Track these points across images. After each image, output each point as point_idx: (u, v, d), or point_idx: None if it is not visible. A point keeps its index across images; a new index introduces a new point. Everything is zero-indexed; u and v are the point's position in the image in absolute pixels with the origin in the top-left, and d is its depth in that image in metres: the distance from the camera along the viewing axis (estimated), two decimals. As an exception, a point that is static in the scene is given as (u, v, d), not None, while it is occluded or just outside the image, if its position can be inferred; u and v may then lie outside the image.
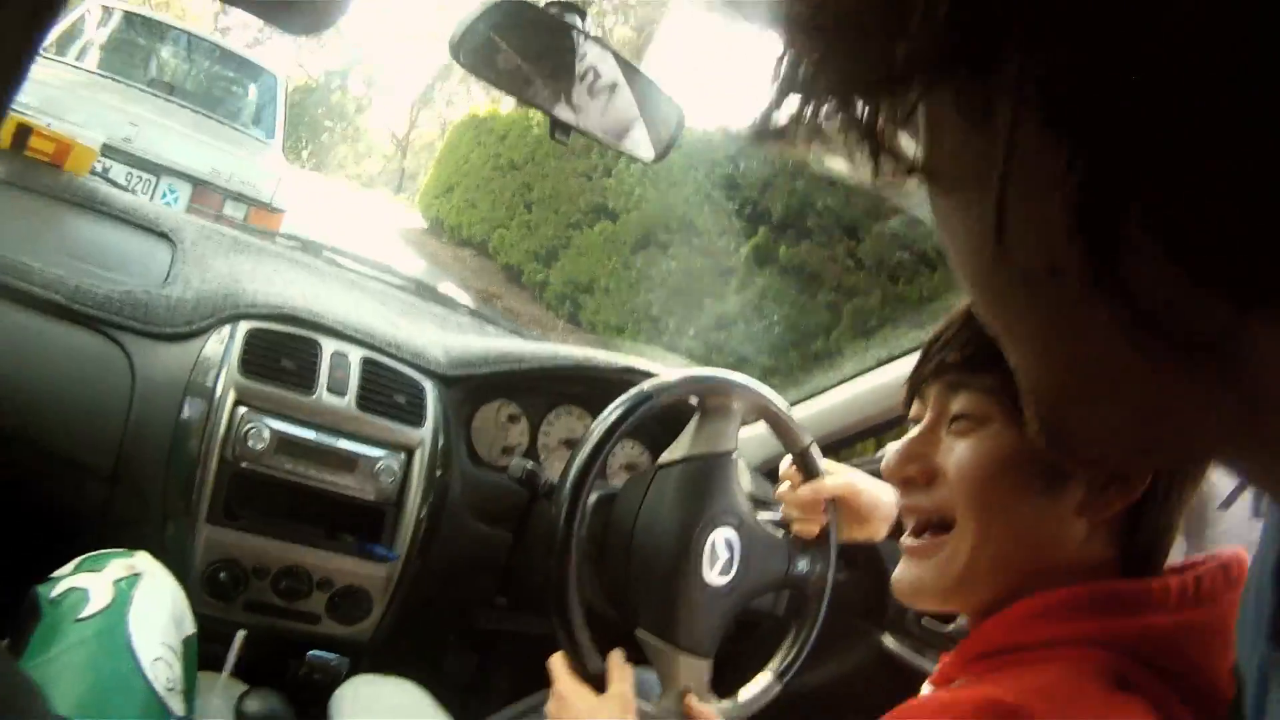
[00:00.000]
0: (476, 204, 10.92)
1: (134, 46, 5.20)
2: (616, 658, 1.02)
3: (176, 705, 0.92)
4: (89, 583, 0.96)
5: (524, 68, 0.91)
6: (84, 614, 0.91)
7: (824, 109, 0.28)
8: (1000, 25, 0.23)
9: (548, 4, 0.92)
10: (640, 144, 0.99)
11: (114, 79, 4.67)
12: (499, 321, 1.85)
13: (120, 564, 1.01)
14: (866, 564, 1.57)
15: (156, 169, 4.08)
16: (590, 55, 0.92)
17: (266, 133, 5.18)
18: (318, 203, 10.52)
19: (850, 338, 5.39)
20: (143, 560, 1.03)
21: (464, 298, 1.96)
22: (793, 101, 0.28)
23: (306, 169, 17.95)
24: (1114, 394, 0.28)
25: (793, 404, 1.62)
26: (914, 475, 0.70)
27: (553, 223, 8.99)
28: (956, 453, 0.66)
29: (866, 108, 0.27)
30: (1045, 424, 0.30)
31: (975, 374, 0.65)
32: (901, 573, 0.71)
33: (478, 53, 0.89)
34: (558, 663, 1.02)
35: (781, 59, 0.28)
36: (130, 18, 5.28)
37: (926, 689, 0.71)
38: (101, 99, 4.23)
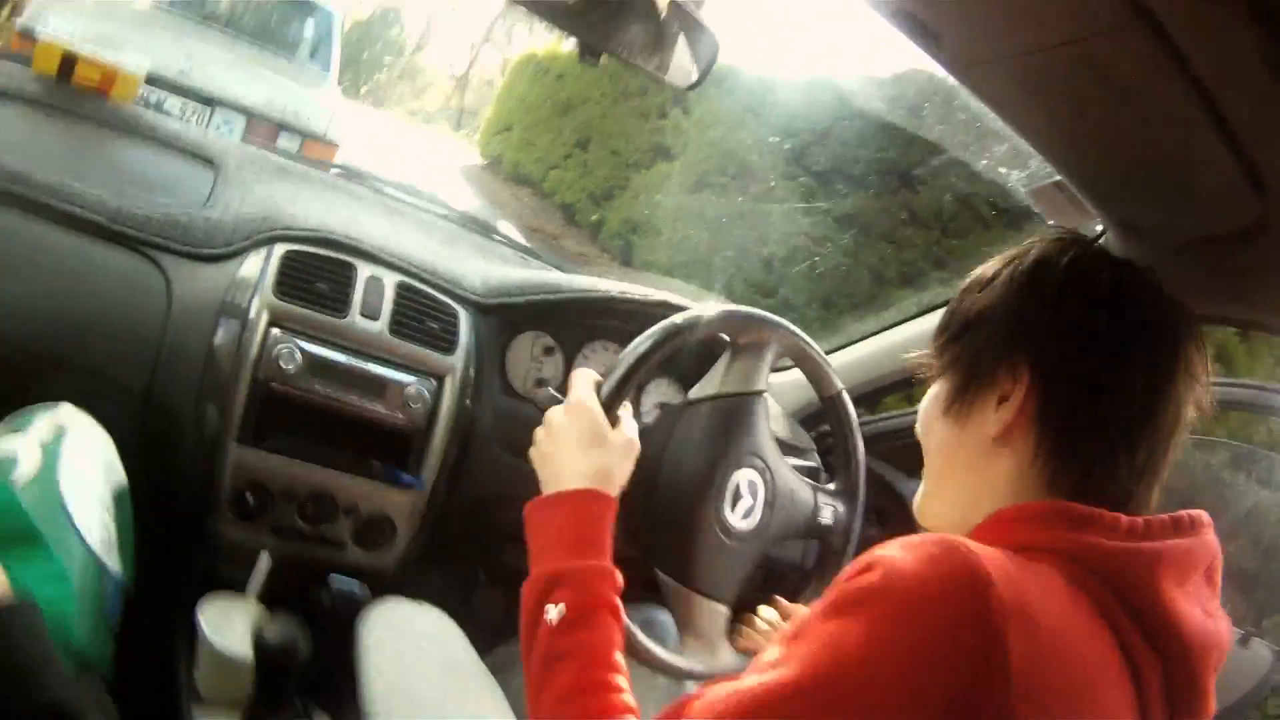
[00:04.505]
0: (534, 142, 10.85)
1: (191, -20, 5.22)
2: (625, 411, 0.96)
3: (113, 562, 0.93)
4: (15, 444, 0.94)
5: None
6: (14, 477, 0.89)
7: None
8: None
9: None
10: (675, 71, 0.96)
11: (170, 13, 4.69)
12: (542, 256, 1.82)
13: (45, 421, 0.99)
14: (899, 520, 1.54)
15: (211, 101, 4.10)
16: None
17: (323, 67, 5.18)
18: (375, 137, 10.52)
19: (898, 288, 5.28)
20: (67, 413, 1.02)
21: (516, 235, 1.93)
22: None
23: (364, 104, 17.84)
24: None
25: (831, 351, 1.58)
26: None
27: (609, 163, 8.89)
28: None
29: None
30: None
31: (935, 339, 0.79)
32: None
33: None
34: (585, 378, 0.96)
35: None
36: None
37: None
38: (157, 33, 4.25)
